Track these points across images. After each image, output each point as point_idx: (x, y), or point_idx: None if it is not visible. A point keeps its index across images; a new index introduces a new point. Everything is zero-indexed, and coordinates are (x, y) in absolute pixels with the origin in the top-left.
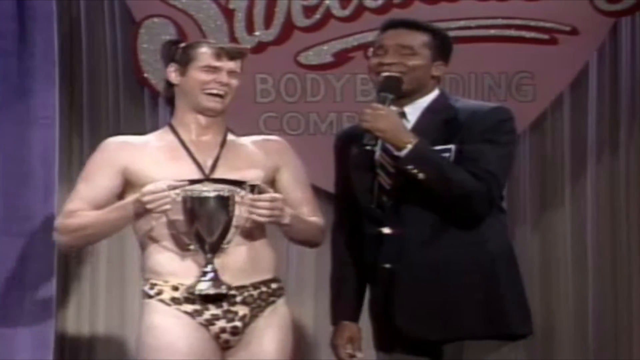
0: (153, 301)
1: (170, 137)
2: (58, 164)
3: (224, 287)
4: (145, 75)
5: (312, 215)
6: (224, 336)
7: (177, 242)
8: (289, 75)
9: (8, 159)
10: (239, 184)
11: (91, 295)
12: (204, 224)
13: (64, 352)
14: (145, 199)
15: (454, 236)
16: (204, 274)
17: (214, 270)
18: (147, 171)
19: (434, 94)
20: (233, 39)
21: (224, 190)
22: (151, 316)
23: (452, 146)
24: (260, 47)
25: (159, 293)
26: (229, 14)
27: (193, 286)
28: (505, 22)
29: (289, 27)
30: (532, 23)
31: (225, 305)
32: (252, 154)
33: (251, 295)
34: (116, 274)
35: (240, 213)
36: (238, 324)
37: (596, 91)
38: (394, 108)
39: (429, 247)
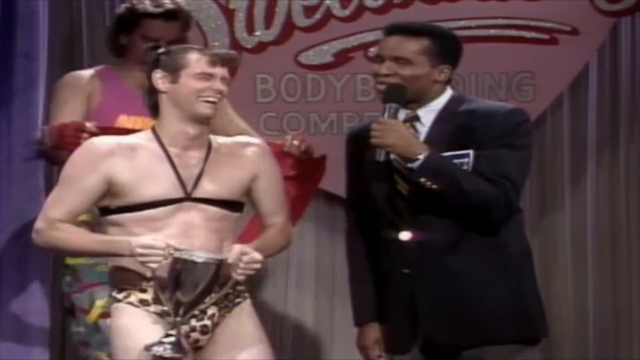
0: (121, 304)
1: (155, 145)
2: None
3: (182, 351)
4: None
5: (281, 221)
6: (194, 335)
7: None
8: (290, 75)
9: (12, 158)
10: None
11: None
12: (187, 288)
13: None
14: (139, 251)
15: (473, 240)
16: (167, 336)
17: (178, 336)
18: (130, 186)
19: (447, 95)
20: (233, 39)
21: (214, 257)
22: (120, 319)
23: (470, 151)
24: (260, 47)
25: (127, 296)
26: (229, 14)
27: (151, 345)
28: (505, 22)
29: (289, 27)
30: (533, 23)
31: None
32: (234, 167)
33: (219, 297)
34: None
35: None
36: (207, 322)
37: (596, 91)
38: (407, 112)
39: (448, 253)
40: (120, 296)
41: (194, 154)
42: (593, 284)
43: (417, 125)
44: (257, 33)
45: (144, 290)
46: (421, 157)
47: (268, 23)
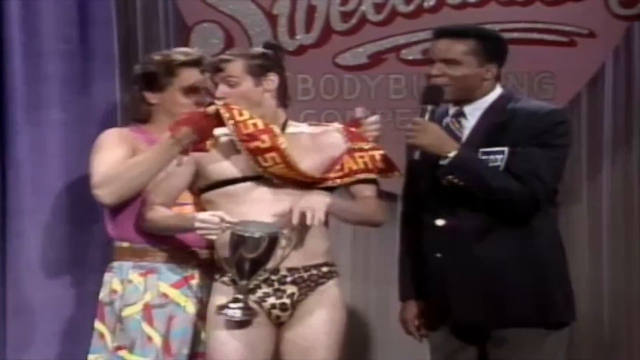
0: (217, 283)
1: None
2: None
3: (250, 314)
4: None
5: (368, 194)
6: (275, 312)
7: None
8: (328, 75)
9: (72, 158)
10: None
11: None
12: (244, 257)
13: None
14: (197, 225)
15: (504, 230)
16: (235, 300)
17: (245, 299)
18: (212, 167)
19: (496, 93)
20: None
21: (270, 230)
22: (215, 297)
23: (505, 148)
24: (301, 50)
25: (222, 275)
26: (272, 19)
27: (223, 307)
28: (527, 25)
29: (327, 31)
30: (552, 27)
31: (276, 284)
32: (311, 150)
33: (301, 277)
34: None
35: (282, 253)
36: (286, 300)
37: (612, 90)
38: (456, 108)
39: (479, 240)
40: (217, 275)
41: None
42: (607, 269)
43: (463, 120)
44: (298, 37)
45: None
46: (450, 155)
47: (308, 27)
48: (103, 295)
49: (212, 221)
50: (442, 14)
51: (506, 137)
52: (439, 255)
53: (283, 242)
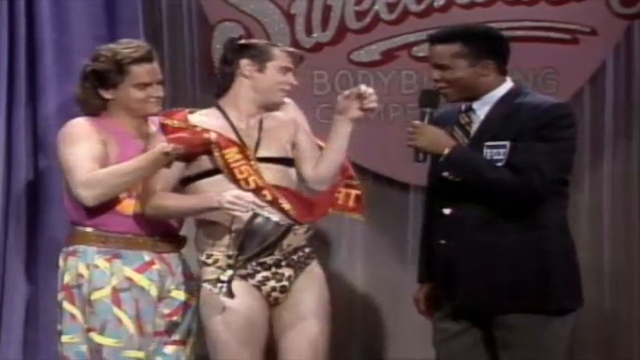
0: (211, 268)
1: (222, 121)
2: None
3: (229, 296)
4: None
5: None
6: (274, 294)
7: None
8: (343, 71)
9: None
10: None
11: None
12: (254, 240)
13: None
14: (230, 199)
15: (507, 219)
16: (220, 280)
17: (230, 280)
18: (206, 155)
19: (505, 88)
20: (294, 40)
21: (286, 221)
22: (203, 277)
23: (507, 142)
24: (317, 47)
25: (216, 261)
26: (290, 18)
27: (206, 281)
28: (532, 24)
29: (342, 29)
30: (556, 25)
31: (273, 268)
32: (281, 128)
33: (293, 259)
34: None
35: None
36: (286, 283)
37: (613, 86)
38: (466, 104)
39: (483, 229)
40: (209, 261)
41: (253, 125)
42: (608, 259)
43: (472, 116)
44: (315, 35)
45: (229, 257)
46: (445, 153)
47: (324, 26)
48: (70, 278)
49: (246, 199)
50: (451, 13)
51: (509, 131)
52: (443, 241)
53: (291, 235)
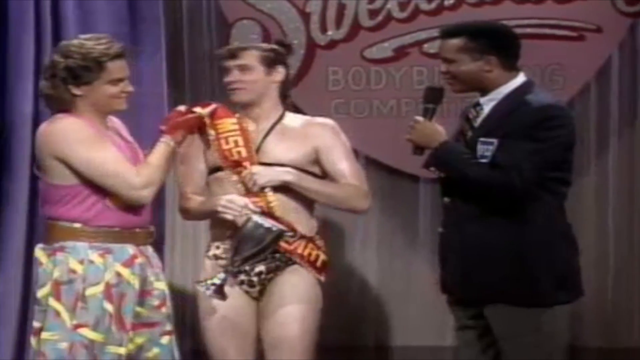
0: (212, 262)
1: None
2: None
3: (220, 297)
4: None
5: (353, 183)
6: (244, 287)
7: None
8: (356, 67)
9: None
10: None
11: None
12: (247, 244)
13: None
14: (222, 203)
15: (496, 214)
16: (214, 279)
17: (224, 282)
18: (211, 153)
19: (514, 84)
20: (309, 37)
21: (277, 227)
22: (201, 272)
23: (495, 140)
24: (331, 44)
25: (208, 250)
26: (305, 17)
27: (199, 282)
28: (539, 22)
29: (356, 27)
30: (563, 22)
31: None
32: (295, 139)
33: (272, 256)
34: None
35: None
36: (254, 278)
37: (617, 81)
38: (477, 99)
39: (475, 220)
40: (208, 252)
41: (263, 126)
42: (613, 243)
43: (479, 110)
44: (329, 32)
45: (217, 248)
46: (432, 147)
47: (338, 24)
48: (59, 274)
49: (238, 203)
50: (461, 11)
51: (501, 129)
52: (441, 230)
53: (282, 243)
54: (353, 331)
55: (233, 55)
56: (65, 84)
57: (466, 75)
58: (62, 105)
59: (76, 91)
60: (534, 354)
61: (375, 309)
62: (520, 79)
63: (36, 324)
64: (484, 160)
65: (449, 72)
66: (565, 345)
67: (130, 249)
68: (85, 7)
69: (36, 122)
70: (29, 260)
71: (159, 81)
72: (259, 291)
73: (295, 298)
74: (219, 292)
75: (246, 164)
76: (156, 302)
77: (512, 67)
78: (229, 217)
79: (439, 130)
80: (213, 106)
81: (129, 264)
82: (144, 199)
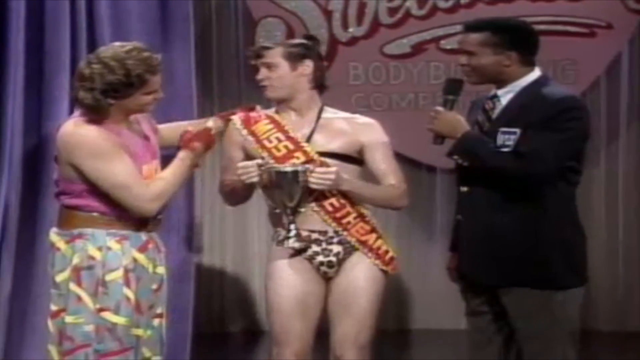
0: (273, 244)
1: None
2: None
3: (304, 241)
4: None
5: (393, 182)
6: (323, 269)
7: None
8: (376, 63)
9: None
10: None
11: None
12: (284, 192)
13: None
14: (239, 172)
15: (512, 202)
16: (288, 232)
17: (297, 229)
18: (252, 148)
19: (530, 77)
20: (331, 34)
21: (297, 166)
22: (271, 254)
23: (518, 130)
24: (352, 41)
25: (274, 238)
26: (328, 14)
27: (282, 241)
28: (552, 19)
29: (376, 24)
30: (575, 19)
31: (324, 244)
32: (338, 132)
33: (345, 238)
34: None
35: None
36: (333, 259)
37: (627, 75)
38: (494, 92)
39: (491, 207)
40: (274, 237)
41: (309, 116)
42: (623, 229)
43: (496, 102)
44: (350, 29)
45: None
46: (457, 137)
47: (359, 21)
48: (79, 260)
49: (250, 164)
50: (476, 9)
51: (522, 119)
52: (459, 217)
53: (304, 176)
54: None
55: (258, 54)
56: (106, 97)
57: (486, 69)
58: (96, 113)
59: (113, 102)
60: (548, 336)
61: (395, 296)
62: (536, 72)
63: (54, 307)
64: (505, 150)
65: (470, 65)
66: (578, 330)
67: (143, 236)
68: (118, 7)
69: (72, 115)
70: None
71: (188, 78)
72: (336, 271)
73: (364, 274)
74: (301, 237)
75: (298, 154)
76: (154, 286)
77: (530, 63)
78: (252, 179)
79: (461, 120)
80: (236, 114)
81: (143, 249)
82: (149, 212)
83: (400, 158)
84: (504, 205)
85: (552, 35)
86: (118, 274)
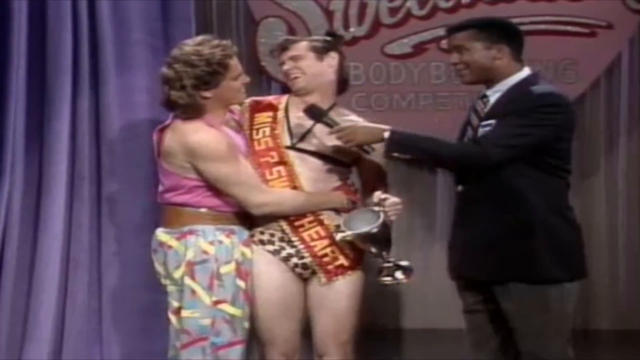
0: (252, 244)
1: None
2: None
3: (408, 271)
4: (263, 64)
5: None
6: (297, 270)
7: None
8: (377, 63)
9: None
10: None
11: None
12: (381, 244)
13: None
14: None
15: (497, 197)
16: (397, 267)
17: (397, 265)
18: None
19: (519, 76)
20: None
21: (374, 221)
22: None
23: (493, 121)
24: (354, 41)
25: (252, 235)
26: (329, 14)
27: (383, 277)
28: (553, 18)
29: (377, 24)
30: (575, 19)
31: (298, 245)
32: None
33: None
34: None
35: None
36: (307, 261)
37: (627, 75)
38: (483, 92)
39: (480, 204)
40: (254, 238)
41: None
42: (623, 236)
43: (486, 102)
44: (352, 29)
45: (262, 233)
46: (385, 137)
47: (360, 21)
48: (193, 255)
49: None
50: (477, 9)
51: (501, 112)
52: (455, 216)
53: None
54: (374, 316)
55: (284, 48)
56: (198, 91)
57: (479, 63)
58: (195, 111)
59: (207, 94)
60: (543, 332)
61: (394, 296)
62: (525, 71)
63: (175, 304)
64: None
65: (462, 62)
66: (574, 326)
67: (245, 231)
68: (119, 7)
69: (74, 114)
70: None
71: None
72: (311, 272)
73: (346, 289)
74: (407, 273)
75: (273, 153)
76: None
77: (519, 59)
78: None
79: (372, 124)
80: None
81: (247, 243)
82: (255, 211)
83: (402, 158)
84: (491, 203)
85: (552, 35)
86: (231, 267)
